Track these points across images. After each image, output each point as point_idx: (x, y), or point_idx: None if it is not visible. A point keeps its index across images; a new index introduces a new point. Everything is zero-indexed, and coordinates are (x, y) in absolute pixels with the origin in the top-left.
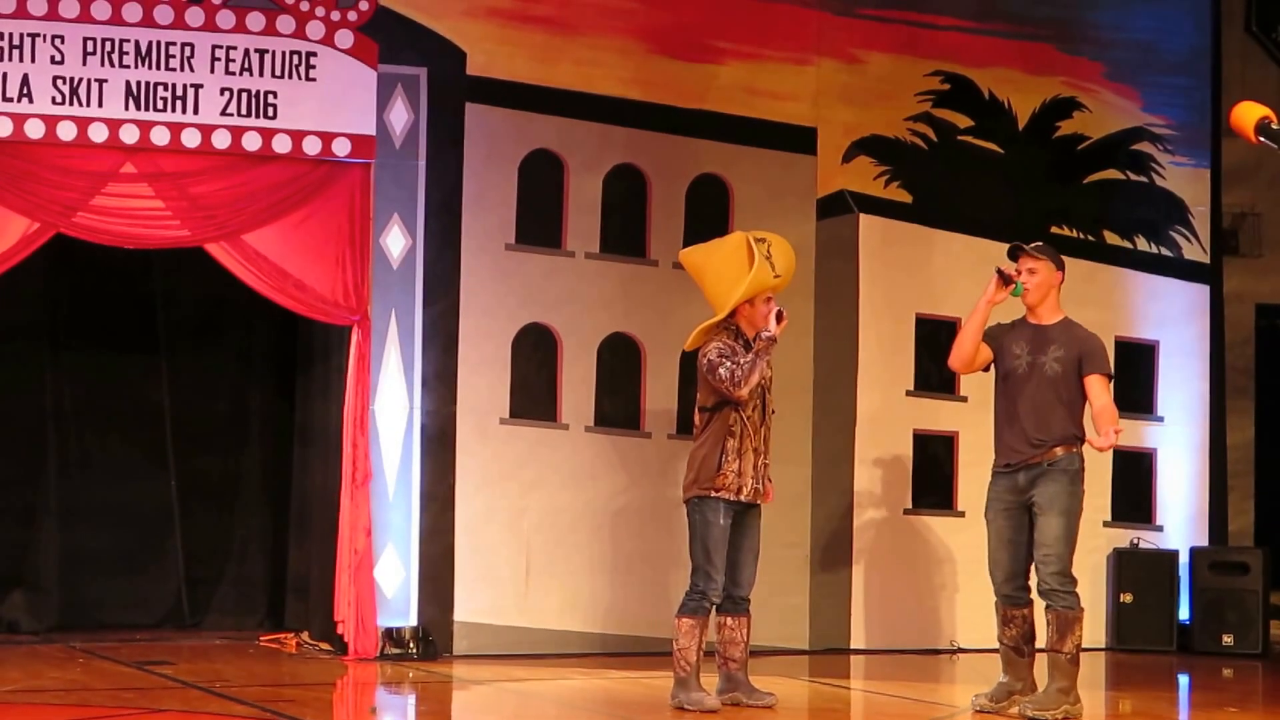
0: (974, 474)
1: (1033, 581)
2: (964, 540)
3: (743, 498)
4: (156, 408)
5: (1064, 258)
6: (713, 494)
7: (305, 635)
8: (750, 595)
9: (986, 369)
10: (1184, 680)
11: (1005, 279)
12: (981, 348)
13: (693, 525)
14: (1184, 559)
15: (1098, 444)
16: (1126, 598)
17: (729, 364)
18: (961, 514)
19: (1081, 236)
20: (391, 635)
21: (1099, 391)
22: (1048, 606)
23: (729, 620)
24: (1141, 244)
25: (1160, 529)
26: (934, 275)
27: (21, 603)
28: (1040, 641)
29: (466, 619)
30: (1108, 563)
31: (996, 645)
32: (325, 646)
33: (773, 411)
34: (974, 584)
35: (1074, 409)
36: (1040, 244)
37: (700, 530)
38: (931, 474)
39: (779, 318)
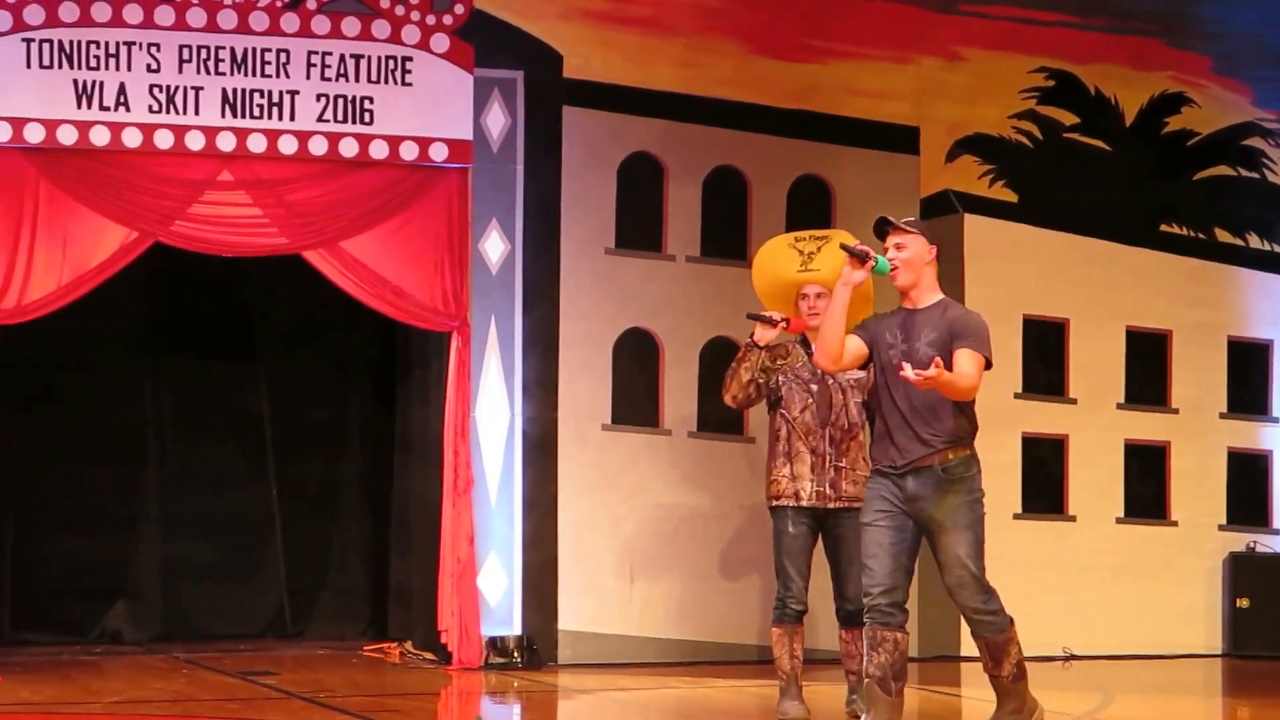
0: (1085, 477)
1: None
2: (1074, 545)
3: (804, 503)
4: (256, 416)
5: (1175, 256)
6: (773, 502)
7: (408, 644)
8: (859, 606)
9: (866, 365)
10: None
11: (858, 256)
12: (856, 342)
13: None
14: None
15: (906, 373)
16: (1243, 603)
17: (728, 370)
18: (1072, 518)
19: (1191, 234)
20: (495, 644)
21: (964, 361)
22: (974, 634)
23: (843, 633)
24: (1254, 241)
25: (1278, 532)
26: (1041, 275)
27: (124, 613)
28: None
29: (570, 627)
30: (1223, 567)
31: (864, 675)
32: (429, 656)
33: (850, 416)
34: (1086, 589)
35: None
36: (912, 219)
37: (773, 539)
38: (1040, 478)
39: (769, 323)
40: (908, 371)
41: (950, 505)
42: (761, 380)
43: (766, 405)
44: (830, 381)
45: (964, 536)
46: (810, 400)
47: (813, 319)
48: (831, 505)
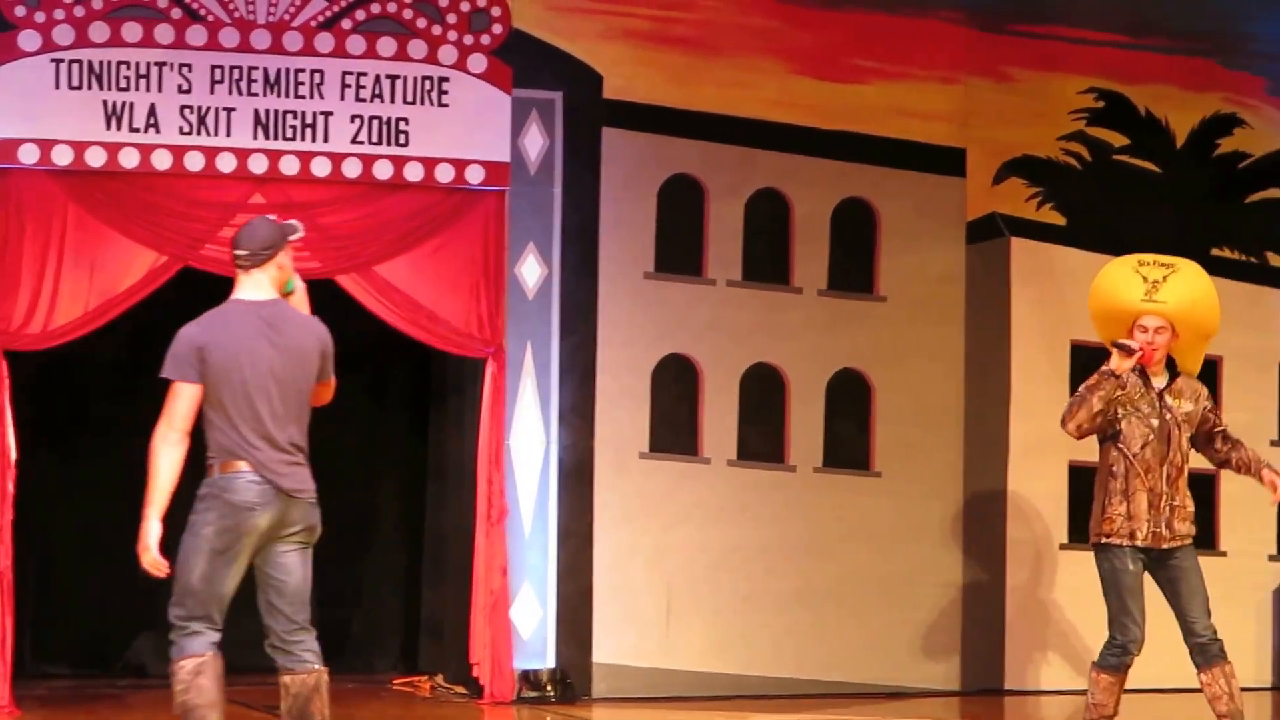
0: None
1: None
2: None
3: (1138, 543)
4: None
5: (1226, 280)
6: (1104, 539)
7: (439, 678)
8: (1214, 636)
9: None
10: None
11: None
12: None
13: (1100, 573)
14: None
15: None
16: None
17: (1073, 397)
18: None
19: (1244, 258)
20: (528, 678)
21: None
22: None
23: (1201, 676)
24: None
25: None
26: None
27: (148, 646)
28: None
29: (606, 660)
30: (1274, 599)
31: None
32: (460, 690)
33: (1184, 453)
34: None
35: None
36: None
37: (1107, 577)
38: (1088, 507)
39: (1125, 351)
40: None
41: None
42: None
43: (1098, 438)
44: (1168, 416)
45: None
46: (1151, 436)
47: (1153, 353)
48: (1166, 545)
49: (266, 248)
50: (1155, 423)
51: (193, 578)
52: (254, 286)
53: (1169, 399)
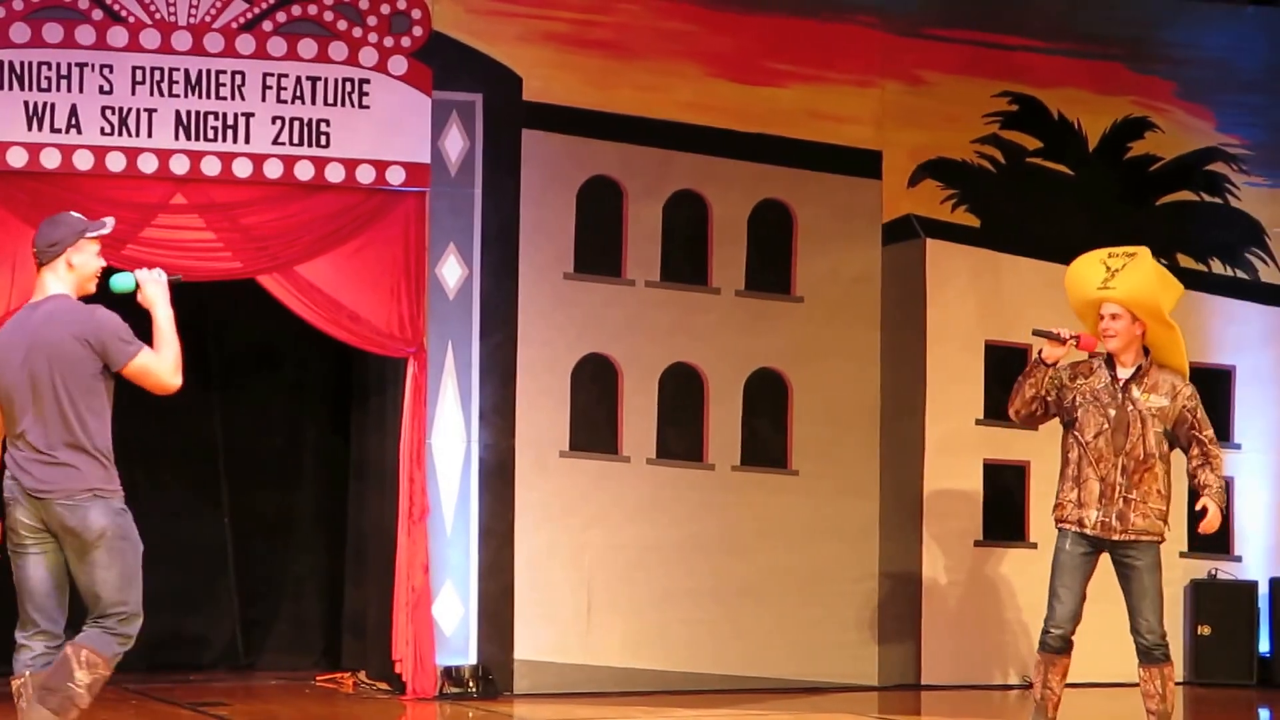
0: (1047, 505)
1: None
2: (1037, 572)
3: (1086, 530)
4: (209, 444)
5: None
6: (1057, 524)
7: (362, 675)
8: (1157, 641)
9: None
10: (1265, 715)
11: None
12: None
13: None
14: (1263, 590)
15: None
16: (1204, 630)
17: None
18: (1034, 545)
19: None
20: (450, 674)
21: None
22: None
23: (1139, 671)
24: (1216, 267)
25: (1239, 559)
26: (1003, 301)
27: None
28: None
29: (527, 657)
30: (1185, 594)
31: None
32: (383, 686)
33: (1147, 446)
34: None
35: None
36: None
37: (1052, 558)
38: (1003, 505)
39: (1057, 340)
40: None
41: None
42: (1052, 398)
43: (1061, 424)
44: (1130, 408)
45: None
46: (1106, 425)
47: (1108, 340)
48: (1117, 537)
49: (52, 244)
50: (1113, 413)
51: (13, 580)
52: (41, 286)
53: (1135, 390)
